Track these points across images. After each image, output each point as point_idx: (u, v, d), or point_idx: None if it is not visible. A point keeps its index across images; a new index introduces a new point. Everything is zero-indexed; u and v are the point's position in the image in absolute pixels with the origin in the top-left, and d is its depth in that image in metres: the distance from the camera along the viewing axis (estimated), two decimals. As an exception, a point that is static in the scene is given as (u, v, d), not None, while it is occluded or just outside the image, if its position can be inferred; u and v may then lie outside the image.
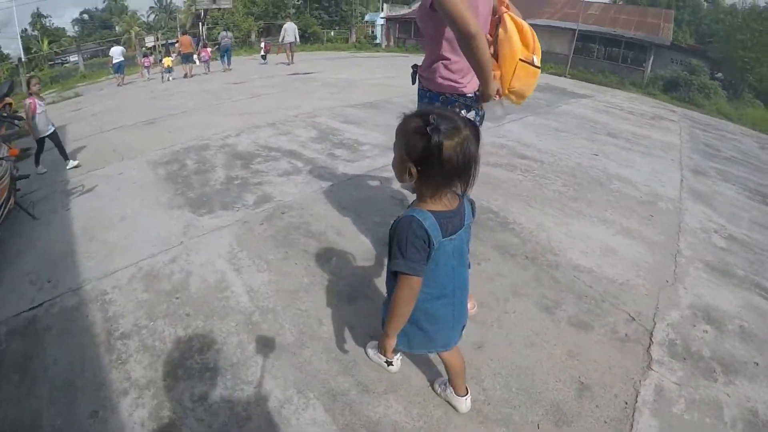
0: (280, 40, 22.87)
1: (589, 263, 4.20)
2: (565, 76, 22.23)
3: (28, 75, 26.55)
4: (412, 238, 1.84)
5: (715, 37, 31.37)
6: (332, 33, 41.24)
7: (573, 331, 3.32)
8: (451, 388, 2.70)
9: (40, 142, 7.83)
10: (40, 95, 7.74)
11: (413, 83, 3.34)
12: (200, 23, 33.14)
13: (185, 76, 19.35)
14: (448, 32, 2.65)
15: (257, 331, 3.49)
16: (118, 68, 20.55)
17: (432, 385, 2.90)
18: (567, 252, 4.36)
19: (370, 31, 41.74)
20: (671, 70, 26.39)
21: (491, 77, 2.63)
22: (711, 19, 38.08)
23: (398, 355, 2.95)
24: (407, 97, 11.67)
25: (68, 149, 8.37)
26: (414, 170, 1.83)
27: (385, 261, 2.36)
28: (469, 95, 2.93)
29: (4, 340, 3.51)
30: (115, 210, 5.84)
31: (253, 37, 36.41)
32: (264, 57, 24.38)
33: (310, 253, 4.50)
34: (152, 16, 59.18)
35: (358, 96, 12.46)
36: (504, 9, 2.94)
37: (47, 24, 54.72)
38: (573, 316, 3.46)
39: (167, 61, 19.77)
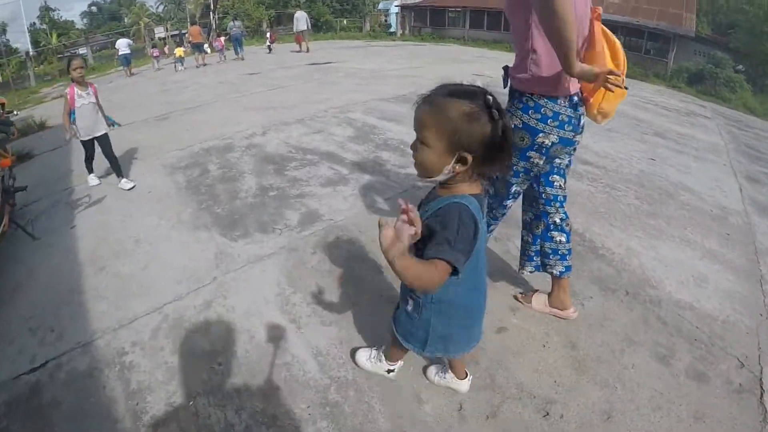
0: (294, 29, 22.68)
1: (688, 297, 3.68)
2: None
3: (68, 55, 25.72)
4: (462, 228, 1.58)
5: (737, 28, 29.85)
6: (345, 22, 40.14)
7: (693, 385, 2.84)
8: (451, 373, 2.58)
9: (87, 145, 6.10)
10: (85, 82, 5.92)
11: (504, 86, 2.80)
12: (210, 13, 32.52)
13: (197, 66, 19.19)
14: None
15: (339, 416, 2.57)
16: (125, 60, 20.36)
17: (426, 375, 2.72)
18: (664, 283, 3.80)
19: (384, 20, 40.53)
20: (695, 63, 25.71)
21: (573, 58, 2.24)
22: (731, 9, 36.59)
23: (398, 366, 2.67)
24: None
25: (71, 149, 7.45)
26: (470, 158, 1.59)
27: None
28: (559, 101, 2.55)
29: (4, 417, 2.69)
30: (128, 230, 4.87)
31: (264, 26, 35.46)
32: (269, 47, 23.78)
33: (386, 296, 3.50)
34: (161, 7, 58.00)
35: (388, 88, 11.43)
36: (595, 18, 2.55)
37: (56, 17, 53.86)
38: (689, 366, 2.98)
39: (179, 51, 19.73)
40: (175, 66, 19.47)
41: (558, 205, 2.93)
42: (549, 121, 2.54)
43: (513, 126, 2.55)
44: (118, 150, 6.52)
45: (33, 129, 10.40)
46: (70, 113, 5.81)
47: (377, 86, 11.90)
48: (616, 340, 3.13)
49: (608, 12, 27.07)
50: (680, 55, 26.74)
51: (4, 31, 45.15)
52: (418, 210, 1.67)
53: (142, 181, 6.18)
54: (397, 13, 36.24)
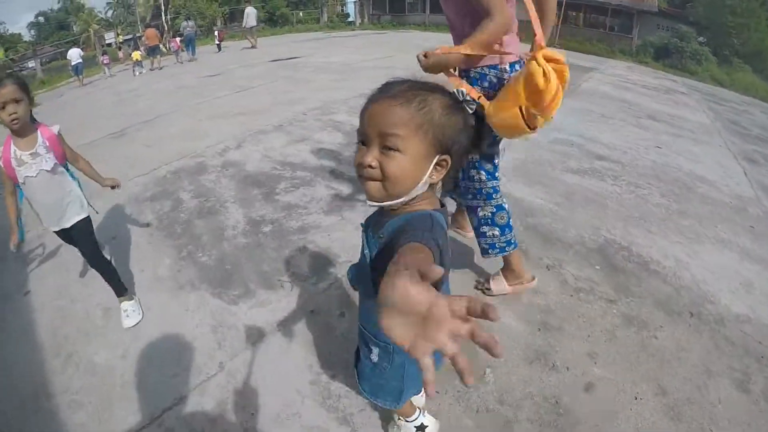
0: (243, 25, 22.63)
1: (743, 308, 3.39)
2: (554, 46, 19.91)
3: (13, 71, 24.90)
4: (438, 229, 1.22)
5: (695, 1, 29.91)
6: (301, 14, 38.89)
7: (773, 409, 2.46)
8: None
9: (62, 237, 3.46)
10: (30, 127, 2.95)
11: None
12: (162, 14, 31.51)
13: (152, 69, 18.95)
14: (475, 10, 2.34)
15: None
16: (77, 70, 19.85)
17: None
18: (719, 296, 3.50)
19: (341, 9, 39.32)
20: (659, 37, 26.10)
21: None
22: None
23: (420, 413, 2.17)
24: (437, 79, 9.89)
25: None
26: (449, 161, 1.33)
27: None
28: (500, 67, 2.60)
29: None
30: (94, 295, 3.76)
31: (219, 23, 34.14)
32: (219, 46, 23.57)
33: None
34: (110, 12, 55.99)
35: (366, 83, 9.96)
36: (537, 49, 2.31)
37: (1, 31, 51.84)
38: (765, 389, 2.69)
39: (136, 55, 19.51)
40: (134, 70, 18.97)
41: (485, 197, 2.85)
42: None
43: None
44: None
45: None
46: (15, 191, 3.12)
47: (353, 81, 10.72)
48: (696, 373, 2.82)
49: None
50: (643, 31, 27.01)
51: None
52: (369, 239, 1.48)
53: (104, 221, 5.05)
54: (354, 1, 35.08)
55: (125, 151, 7.36)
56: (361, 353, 1.77)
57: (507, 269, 3.13)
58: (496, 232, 2.89)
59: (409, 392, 1.73)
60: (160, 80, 15.07)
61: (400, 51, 15.81)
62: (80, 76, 19.75)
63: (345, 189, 5.12)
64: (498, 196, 2.86)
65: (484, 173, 2.79)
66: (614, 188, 5.13)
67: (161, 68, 18.75)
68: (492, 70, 2.57)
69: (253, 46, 21.44)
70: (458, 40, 2.60)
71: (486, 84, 2.58)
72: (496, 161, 2.83)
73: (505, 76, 2.55)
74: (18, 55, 43.68)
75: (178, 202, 5.17)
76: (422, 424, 2.16)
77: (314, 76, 11.60)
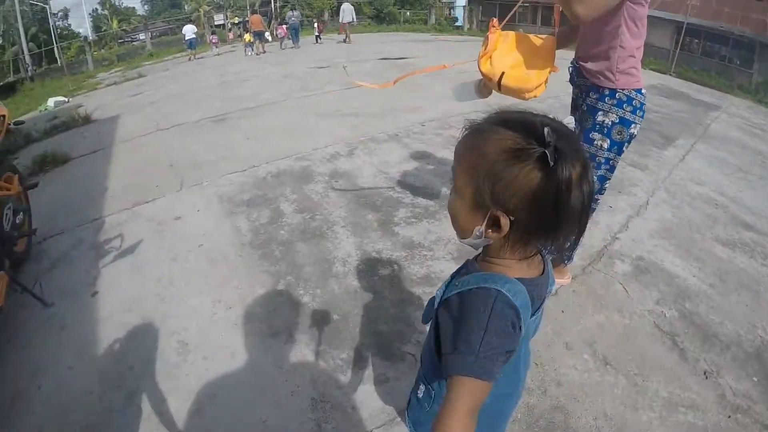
0: (340, 20, 23.04)
1: None
2: (669, 74, 18.37)
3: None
4: (494, 323, 0.95)
5: None
6: (408, 13, 38.10)
7: None
8: None
9: None
10: None
11: (572, 81, 2.86)
12: (271, 1, 31.57)
13: (257, 53, 19.71)
14: (628, 10, 2.41)
15: None
16: (191, 44, 21.38)
17: None
18: None
19: (449, 12, 38.21)
20: None
21: None
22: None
23: None
24: (559, 99, 8.75)
25: (112, 154, 6.38)
26: (505, 221, 0.95)
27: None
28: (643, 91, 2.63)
29: None
30: (168, 317, 3.17)
31: (326, 15, 33.72)
32: (318, 37, 23.65)
33: None
34: (222, -6, 57.15)
35: (490, 96, 9.09)
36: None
37: (117, 3, 53.95)
38: None
39: (248, 37, 20.52)
40: (245, 50, 20.13)
41: None
42: (638, 112, 2.56)
43: (611, 122, 2.57)
44: (166, 160, 5.85)
45: (76, 123, 8.61)
46: None
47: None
48: None
49: (689, 14, 24.60)
50: (764, 66, 23.91)
51: (66, 17, 45.16)
52: (450, 282, 1.13)
53: (192, 222, 4.40)
54: (464, 6, 33.89)
55: (224, 139, 6.65)
56: (414, 386, 1.43)
57: (557, 268, 3.10)
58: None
59: None
60: (266, 66, 14.55)
61: None
62: (192, 50, 21.12)
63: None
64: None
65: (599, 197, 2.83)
66: (764, 269, 4.03)
67: (264, 53, 19.45)
68: (638, 94, 2.58)
69: (345, 41, 21.73)
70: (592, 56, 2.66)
71: (630, 108, 2.58)
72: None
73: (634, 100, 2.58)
74: (130, 26, 45.31)
75: (278, 214, 4.37)
76: None
77: (428, 81, 10.53)
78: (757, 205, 5.51)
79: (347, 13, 21.96)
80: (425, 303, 2.76)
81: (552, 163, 0.86)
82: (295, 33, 21.60)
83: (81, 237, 4.30)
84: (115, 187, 5.33)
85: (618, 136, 2.60)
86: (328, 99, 8.95)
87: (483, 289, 1.01)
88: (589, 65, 2.64)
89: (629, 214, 4.43)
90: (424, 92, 9.00)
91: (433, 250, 3.83)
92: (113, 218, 4.58)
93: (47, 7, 33.39)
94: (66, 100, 13.39)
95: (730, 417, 2.45)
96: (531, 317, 1.07)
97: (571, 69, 2.83)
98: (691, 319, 3.13)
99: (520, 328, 1.00)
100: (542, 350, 2.68)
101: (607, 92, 2.59)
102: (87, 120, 8.94)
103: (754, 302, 3.44)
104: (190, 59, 20.24)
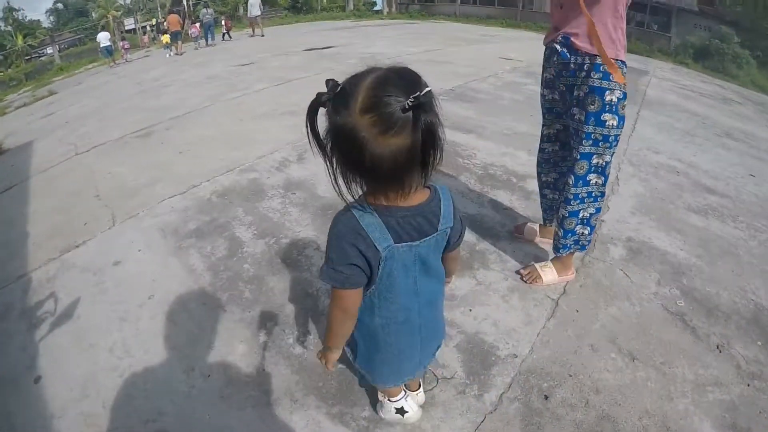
0: (248, 14, 23.33)
1: None
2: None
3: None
4: (341, 238, 1.27)
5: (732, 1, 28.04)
6: (325, 1, 37.31)
7: None
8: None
9: None
10: None
11: (565, 58, 2.55)
12: (183, 0, 30.63)
13: (175, 54, 19.35)
14: None
15: None
16: (108, 51, 20.95)
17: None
18: None
19: (367, -4, 37.66)
20: (699, 37, 24.51)
21: None
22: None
23: (404, 396, 2.04)
24: (500, 78, 8.93)
25: (29, 189, 5.53)
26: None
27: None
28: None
29: None
30: (137, 391, 2.55)
31: (241, 10, 32.75)
32: (225, 35, 23.37)
33: None
34: (129, -2, 55.08)
35: (433, 80, 8.37)
36: None
37: (20, 17, 51.39)
38: None
39: (165, 38, 20.42)
40: (167, 53, 19.77)
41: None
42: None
43: (617, 98, 2.42)
44: (91, 191, 5.07)
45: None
46: None
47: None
48: None
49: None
50: (681, 30, 25.42)
51: None
52: None
53: (134, 266, 3.69)
54: (382, -10, 33.42)
55: (154, 157, 5.88)
56: None
57: (560, 261, 2.98)
58: (586, 231, 2.79)
59: (361, 361, 1.68)
60: (186, 69, 13.49)
61: (447, 44, 14.02)
62: (111, 57, 20.61)
63: (468, 234, 3.62)
64: (604, 198, 2.72)
65: (603, 178, 2.63)
66: (737, 232, 4.17)
67: (182, 53, 19.05)
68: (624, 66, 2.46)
69: (253, 34, 22.17)
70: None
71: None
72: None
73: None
74: (36, 41, 43.29)
75: (236, 244, 3.71)
76: (402, 407, 2.02)
77: (362, 69, 9.91)
78: (713, 168, 5.56)
79: (255, 6, 22.03)
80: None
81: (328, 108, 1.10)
82: (209, 30, 21.60)
83: (7, 302, 3.55)
84: (37, 231, 4.54)
85: (623, 111, 2.48)
86: (261, 98, 8.19)
87: (341, 211, 1.29)
88: (585, 38, 2.43)
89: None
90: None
91: None
92: (41, 272, 3.82)
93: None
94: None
95: (749, 385, 2.48)
96: (398, 243, 1.28)
97: (557, 46, 2.57)
98: (692, 295, 3.15)
99: (375, 246, 1.25)
100: (572, 359, 2.51)
101: (598, 65, 2.43)
102: (-1, 150, 7.92)
103: (737, 267, 3.53)
104: (111, 66, 19.68)
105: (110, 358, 2.82)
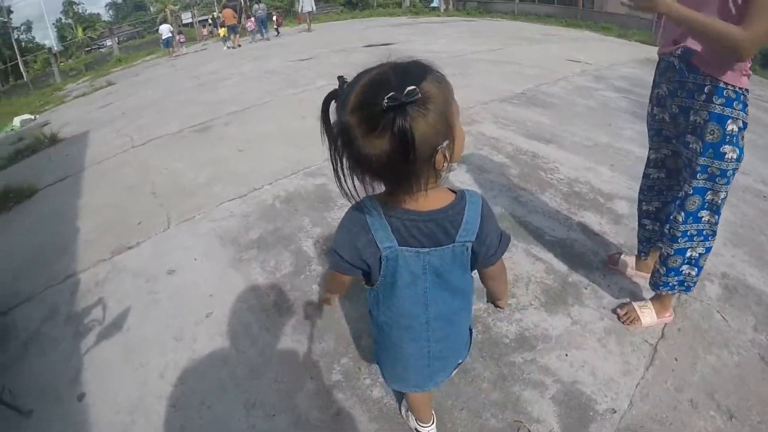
0: (299, 10, 23.82)
1: None
2: (656, 45, 17.29)
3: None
4: (344, 229, 1.30)
5: None
6: (381, -3, 37.05)
7: None
8: (413, 415, 2.05)
9: None
10: None
11: (687, 75, 2.19)
12: None
13: (232, 47, 19.55)
14: None
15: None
16: (167, 43, 22.24)
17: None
18: None
19: (423, -7, 37.19)
20: None
21: None
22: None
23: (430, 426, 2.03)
24: (570, 82, 8.15)
25: (82, 181, 5.32)
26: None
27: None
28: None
29: None
30: (192, 425, 2.29)
31: (297, 6, 32.77)
32: (277, 30, 23.63)
33: None
34: (188, -8, 56.07)
35: (498, 82, 7.93)
36: None
37: (80, 11, 52.83)
38: None
39: (223, 31, 21.36)
40: (225, 45, 20.34)
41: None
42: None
43: (738, 128, 2.09)
44: (147, 187, 4.86)
45: (42, 144, 7.53)
46: None
47: (480, 78, 8.40)
48: None
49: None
50: None
51: (30, 29, 44.10)
52: None
53: (190, 276, 3.37)
54: (439, -13, 32.91)
55: (212, 153, 5.56)
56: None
57: (659, 301, 2.64)
58: (693, 272, 2.45)
59: (376, 355, 1.68)
60: (243, 62, 13.29)
61: (508, 43, 13.33)
62: (170, 49, 22.08)
63: (554, 258, 3.26)
64: (715, 237, 2.37)
65: (717, 216, 2.31)
66: None
67: (238, 46, 19.20)
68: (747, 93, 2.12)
69: (308, 29, 22.20)
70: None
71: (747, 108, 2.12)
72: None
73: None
74: (96, 33, 44.25)
75: (303, 259, 3.33)
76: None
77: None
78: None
79: (307, 2, 22.22)
80: (533, 380, 2.31)
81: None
82: (263, 25, 21.75)
83: (53, 304, 3.29)
84: (88, 227, 4.29)
85: (743, 142, 2.18)
86: (323, 95, 7.79)
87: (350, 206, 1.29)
88: (709, 56, 2.08)
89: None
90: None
91: (516, 296, 2.88)
92: (90, 274, 3.56)
93: (7, 21, 32.12)
94: (33, 117, 12.44)
95: None
96: (404, 246, 1.25)
97: (674, 60, 2.24)
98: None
99: (376, 244, 1.23)
100: (671, 416, 2.19)
101: (732, 93, 2.09)
102: (54, 140, 7.89)
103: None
104: (172, 56, 20.84)
105: (162, 382, 2.49)
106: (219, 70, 12.67)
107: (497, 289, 1.57)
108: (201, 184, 4.67)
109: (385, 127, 0.98)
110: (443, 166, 1.11)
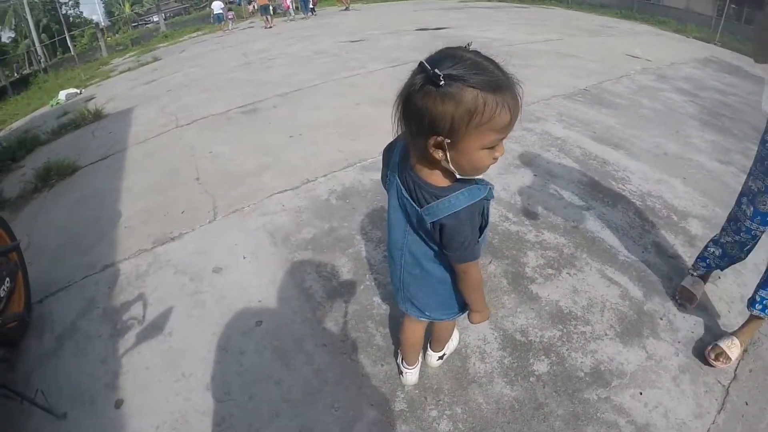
0: None
1: None
2: (714, 43, 16.36)
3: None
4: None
5: None
6: (431, -22, 36.38)
7: None
8: (401, 355, 2.23)
9: None
10: None
11: None
12: None
13: (265, 27, 19.37)
14: None
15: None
16: (218, 19, 22.44)
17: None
18: None
19: (473, -23, 36.41)
20: None
21: None
22: None
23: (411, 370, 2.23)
24: (633, 81, 7.80)
25: (125, 161, 5.22)
26: None
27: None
28: None
29: None
30: None
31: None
32: (312, 10, 23.18)
33: None
34: (236, -31, 56.32)
35: (562, 76, 7.53)
36: None
37: None
38: None
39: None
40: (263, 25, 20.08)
41: None
42: None
43: None
44: (191, 172, 4.68)
45: (86, 119, 7.40)
46: None
47: (540, 71, 7.91)
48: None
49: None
50: None
51: (77, 4, 44.89)
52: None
53: (238, 277, 3.13)
54: (489, -31, 32.14)
55: (261, 138, 5.33)
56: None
57: (747, 330, 2.43)
58: None
59: None
60: (292, 42, 13.03)
61: (565, 33, 12.70)
62: (220, 24, 22.36)
63: (629, 282, 2.96)
64: None
65: None
66: None
67: (271, 27, 19.15)
68: None
69: (347, 8, 22.56)
70: None
71: None
72: None
73: None
74: (143, 9, 44.67)
75: (362, 267, 3.07)
76: (402, 372, 2.23)
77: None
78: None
79: None
80: (605, 420, 2.13)
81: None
82: (303, 3, 21.98)
83: (91, 296, 3.11)
84: (129, 211, 4.12)
85: None
86: (378, 80, 7.51)
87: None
88: None
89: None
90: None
91: (591, 323, 2.62)
92: (130, 265, 3.36)
93: (56, -4, 32.75)
94: (78, 91, 12.48)
95: None
96: (400, 181, 1.49)
97: None
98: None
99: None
100: None
101: None
102: (98, 115, 7.79)
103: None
104: (224, 32, 20.99)
105: (207, 397, 2.28)
106: (267, 49, 12.44)
107: (464, 294, 1.65)
108: (249, 172, 4.43)
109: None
110: (438, 156, 1.22)
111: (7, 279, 2.69)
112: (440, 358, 2.27)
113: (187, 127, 6.04)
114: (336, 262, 3.10)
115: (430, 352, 2.24)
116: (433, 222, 1.38)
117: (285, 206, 3.79)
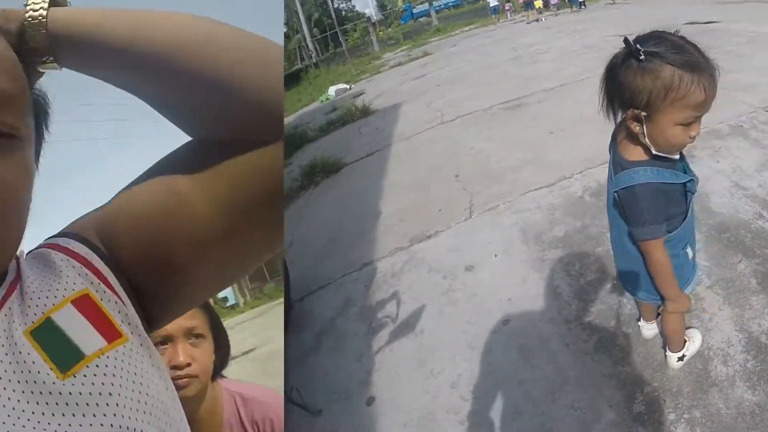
0: None
1: None
2: None
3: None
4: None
5: None
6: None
7: None
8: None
9: None
10: None
11: None
12: None
13: (528, 22, 18.83)
14: None
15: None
16: (495, 10, 22.76)
17: None
18: None
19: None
20: None
21: None
22: None
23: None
24: None
25: (388, 159, 5.60)
26: None
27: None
28: None
29: None
30: None
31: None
32: (583, 3, 21.05)
33: None
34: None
35: None
36: None
37: None
38: None
39: (537, 4, 20.02)
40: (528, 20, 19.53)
41: None
42: None
43: None
44: (451, 170, 4.90)
45: (354, 116, 7.97)
46: None
47: None
48: None
49: None
50: None
51: None
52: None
53: (489, 275, 3.25)
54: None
55: (522, 134, 5.43)
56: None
57: None
58: None
59: None
60: (561, 36, 12.81)
61: None
62: (496, 16, 22.66)
63: None
64: None
65: None
66: None
67: (537, 20, 18.44)
68: None
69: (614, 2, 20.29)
70: None
71: None
72: None
73: None
74: (415, 2, 46.32)
75: (610, 265, 2.95)
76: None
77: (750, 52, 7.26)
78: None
79: None
80: None
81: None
82: None
83: (348, 295, 3.47)
84: (389, 210, 4.48)
85: None
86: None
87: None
88: None
89: None
90: (747, 62, 5.89)
91: None
92: (386, 263, 3.68)
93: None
94: (348, 87, 13.43)
95: None
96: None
97: None
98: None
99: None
100: None
101: None
102: (365, 112, 8.42)
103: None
104: (495, 24, 21.34)
105: (452, 395, 2.44)
106: (536, 42, 12.37)
107: (653, 278, 1.66)
108: (508, 169, 4.55)
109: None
110: (635, 129, 1.35)
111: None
112: (680, 359, 2.21)
113: (451, 123, 6.33)
114: (584, 260, 3.09)
115: (669, 353, 2.20)
116: (615, 192, 1.50)
117: (539, 203, 3.85)
